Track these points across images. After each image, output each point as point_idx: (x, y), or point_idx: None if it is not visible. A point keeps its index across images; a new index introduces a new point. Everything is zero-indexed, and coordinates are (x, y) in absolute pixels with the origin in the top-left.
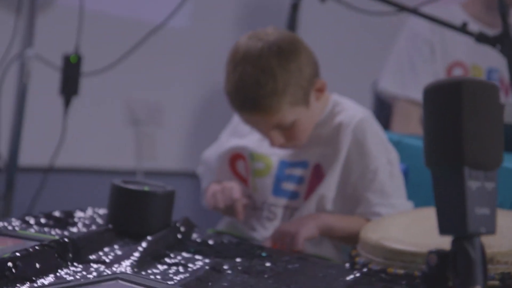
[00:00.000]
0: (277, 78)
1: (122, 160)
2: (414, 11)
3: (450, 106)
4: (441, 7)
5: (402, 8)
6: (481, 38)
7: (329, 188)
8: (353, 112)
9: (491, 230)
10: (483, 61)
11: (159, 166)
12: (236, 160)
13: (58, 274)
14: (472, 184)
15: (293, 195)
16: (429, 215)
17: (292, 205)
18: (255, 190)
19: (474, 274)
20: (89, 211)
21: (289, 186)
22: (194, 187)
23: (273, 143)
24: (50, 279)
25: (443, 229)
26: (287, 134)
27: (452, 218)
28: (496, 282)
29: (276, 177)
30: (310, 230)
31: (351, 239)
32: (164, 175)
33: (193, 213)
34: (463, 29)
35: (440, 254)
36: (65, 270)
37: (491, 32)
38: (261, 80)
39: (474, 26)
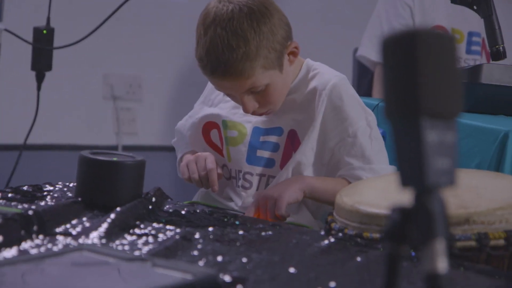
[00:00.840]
0: (249, 41)
1: (102, 137)
2: None
3: (406, 55)
4: None
5: None
6: None
7: (305, 154)
8: (327, 76)
9: (452, 182)
10: (463, 25)
11: (139, 141)
12: (210, 129)
13: (21, 247)
14: (431, 134)
15: (269, 163)
16: None
17: (268, 173)
18: (230, 159)
19: (435, 227)
20: (59, 185)
21: (264, 153)
22: (175, 162)
23: (246, 109)
24: (13, 252)
25: (403, 182)
26: (260, 99)
27: (411, 171)
28: (473, 243)
29: (250, 144)
30: (294, 193)
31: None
32: (145, 150)
33: (174, 188)
34: None
35: (403, 210)
36: (29, 243)
37: None
38: (233, 44)
39: None
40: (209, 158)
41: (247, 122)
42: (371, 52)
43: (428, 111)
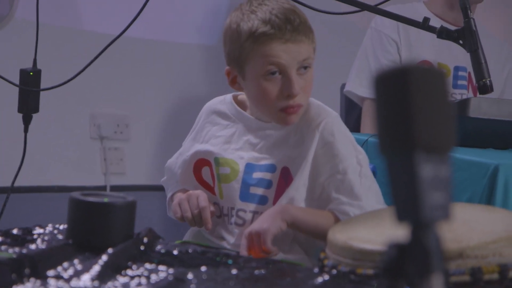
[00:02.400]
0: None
1: (90, 177)
2: (376, 10)
3: (398, 91)
4: (406, 6)
5: (364, 7)
6: (442, 33)
7: (298, 190)
8: (320, 112)
9: (447, 216)
10: (449, 60)
11: (127, 181)
12: (201, 166)
13: None
14: (426, 169)
15: (262, 200)
16: None
17: (261, 210)
18: (222, 196)
19: (431, 262)
20: (49, 227)
21: (257, 190)
22: (164, 201)
23: (294, 89)
24: None
25: (399, 217)
26: (303, 83)
27: (407, 205)
28: (467, 277)
29: (244, 181)
30: (277, 225)
31: (319, 233)
32: (133, 190)
33: (164, 227)
34: (424, 25)
35: (398, 245)
36: (21, 287)
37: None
38: (295, 9)
39: (437, 24)
40: (201, 196)
41: (239, 159)
42: (358, 88)
43: (423, 146)
